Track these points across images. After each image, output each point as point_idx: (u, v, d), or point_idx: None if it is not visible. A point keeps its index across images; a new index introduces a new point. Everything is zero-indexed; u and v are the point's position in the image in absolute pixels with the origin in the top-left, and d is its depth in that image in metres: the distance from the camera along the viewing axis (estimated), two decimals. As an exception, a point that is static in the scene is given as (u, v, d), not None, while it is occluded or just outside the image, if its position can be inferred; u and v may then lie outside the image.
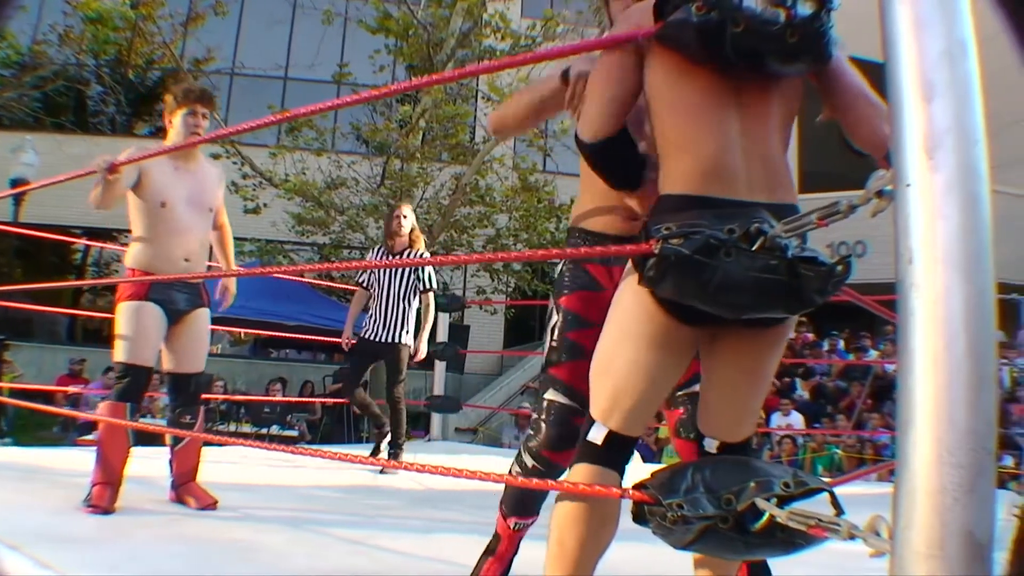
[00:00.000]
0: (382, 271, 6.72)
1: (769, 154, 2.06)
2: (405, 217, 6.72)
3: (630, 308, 2.10)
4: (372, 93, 2.92)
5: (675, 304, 2.00)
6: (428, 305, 6.80)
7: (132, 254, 4.36)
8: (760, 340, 2.10)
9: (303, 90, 20.18)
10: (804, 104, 2.22)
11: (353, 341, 6.90)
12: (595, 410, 2.16)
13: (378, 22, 14.30)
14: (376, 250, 7.04)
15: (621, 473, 2.13)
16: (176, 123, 4.38)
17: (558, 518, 2.12)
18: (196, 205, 4.43)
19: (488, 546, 2.94)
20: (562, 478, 2.22)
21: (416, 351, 6.82)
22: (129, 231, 4.38)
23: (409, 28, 14.03)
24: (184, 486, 4.37)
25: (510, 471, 2.79)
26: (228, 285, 4.92)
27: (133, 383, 4.22)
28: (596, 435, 2.12)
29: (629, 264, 2.12)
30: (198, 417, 4.52)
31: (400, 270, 6.69)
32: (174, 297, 4.36)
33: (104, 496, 4.02)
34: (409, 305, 6.69)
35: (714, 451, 2.20)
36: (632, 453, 2.21)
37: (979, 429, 1.21)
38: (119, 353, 4.24)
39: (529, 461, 2.64)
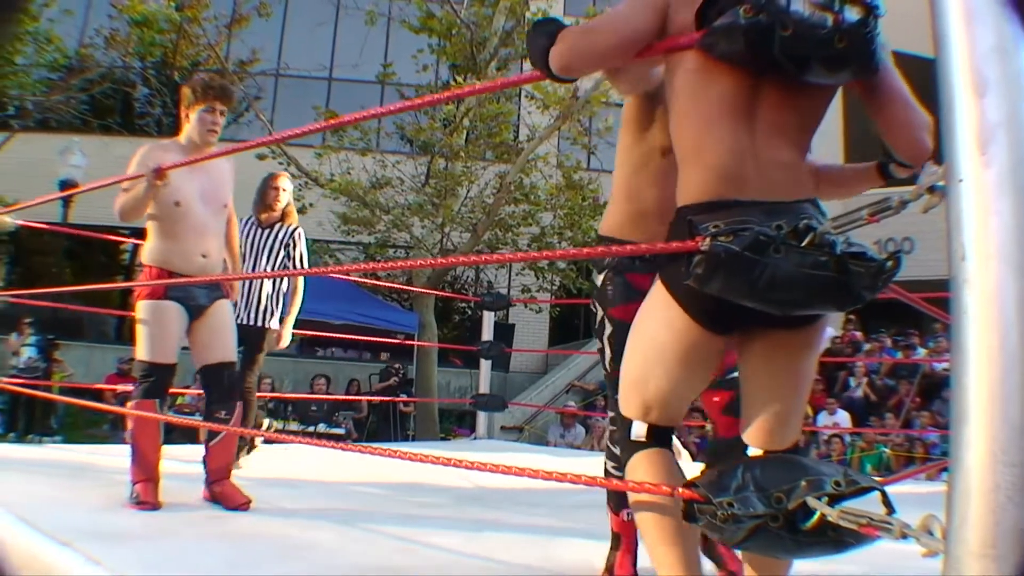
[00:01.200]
0: (250, 246, 6.10)
1: (783, 158, 2.06)
2: (284, 190, 6.21)
3: (660, 325, 2.15)
4: (420, 100, 2.95)
5: (703, 311, 2.04)
6: (297, 288, 6.23)
7: (149, 252, 4.37)
8: (792, 341, 2.11)
9: (347, 90, 20.30)
10: (849, 105, 2.20)
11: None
12: (631, 412, 2.25)
13: (421, 22, 14.34)
14: (245, 222, 6.18)
15: (670, 448, 2.24)
16: (193, 119, 4.37)
17: (641, 522, 2.19)
18: (210, 202, 4.42)
19: (612, 543, 3.05)
20: (626, 474, 2.25)
21: (280, 338, 6.18)
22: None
23: (452, 27, 14.05)
24: (217, 483, 4.34)
25: (605, 468, 2.94)
26: (233, 284, 4.86)
27: (157, 381, 4.27)
28: (638, 432, 2.23)
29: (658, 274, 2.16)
30: (233, 412, 4.47)
31: (270, 246, 6.09)
32: (193, 293, 4.35)
33: (149, 492, 4.07)
34: (277, 286, 6.16)
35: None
36: (673, 432, 2.29)
37: (1035, 428, 1.20)
38: (141, 351, 4.28)
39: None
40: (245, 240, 6.00)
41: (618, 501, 2.95)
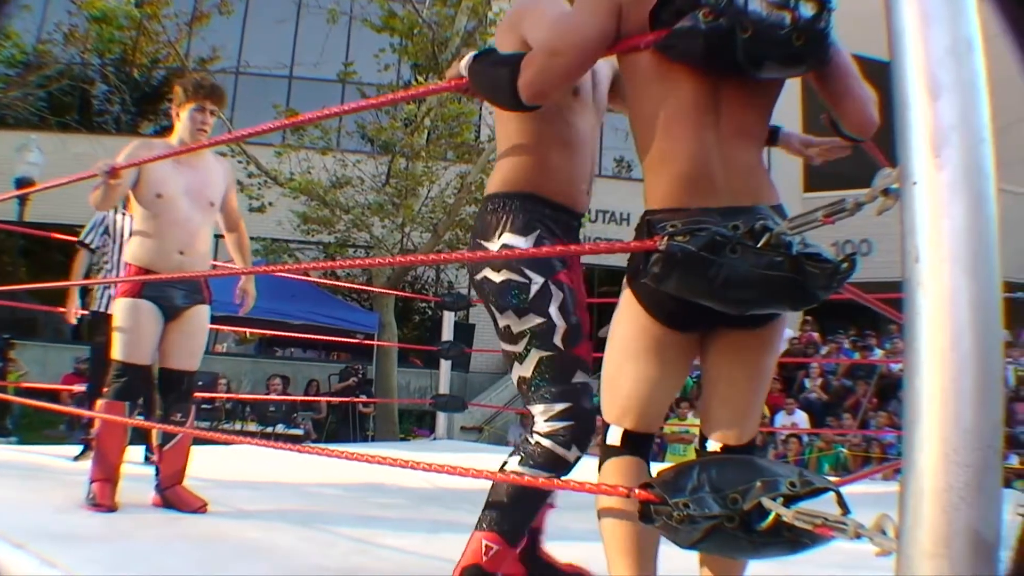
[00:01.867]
0: (121, 230, 6.11)
1: (748, 161, 2.09)
2: None
3: (627, 325, 2.17)
4: (382, 99, 2.92)
5: (664, 310, 2.06)
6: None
7: (130, 250, 4.35)
8: (753, 339, 2.15)
9: (308, 89, 20.21)
10: (808, 104, 2.23)
11: (82, 312, 6.34)
12: (608, 415, 2.26)
13: (383, 20, 14.29)
14: (114, 212, 6.19)
15: (646, 460, 2.22)
16: (183, 117, 4.32)
17: (603, 528, 2.19)
18: (196, 199, 4.37)
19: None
20: (598, 479, 2.25)
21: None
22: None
23: (414, 27, 14.02)
24: (171, 489, 4.26)
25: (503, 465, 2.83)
26: (247, 288, 4.81)
27: (130, 382, 4.22)
28: (613, 437, 2.23)
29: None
30: (189, 416, 4.44)
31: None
32: (170, 293, 4.31)
33: (106, 493, 4.03)
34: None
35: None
36: (652, 444, 2.27)
37: (985, 428, 1.21)
38: (116, 351, 4.25)
39: None
40: (113, 227, 6.21)
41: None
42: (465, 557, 2.62)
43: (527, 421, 2.75)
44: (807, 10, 1.89)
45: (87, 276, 6.31)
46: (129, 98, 21.01)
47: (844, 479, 5.35)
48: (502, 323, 2.64)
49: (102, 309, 6.03)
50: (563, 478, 2.47)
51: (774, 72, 2.00)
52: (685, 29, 1.93)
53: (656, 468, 2.10)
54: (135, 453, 5.98)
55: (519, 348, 2.62)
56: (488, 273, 2.63)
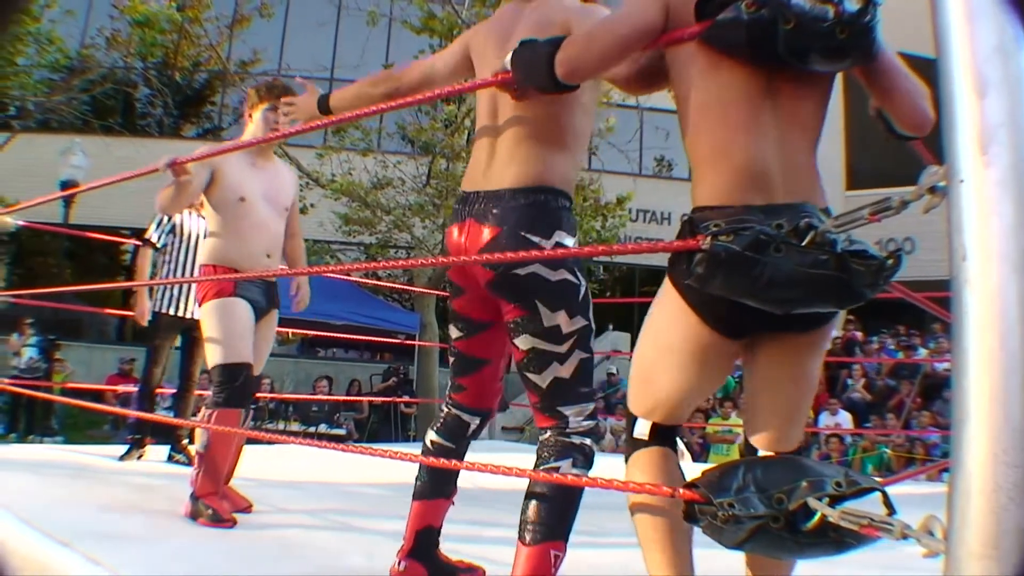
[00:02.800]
0: (188, 231, 6.05)
1: (802, 159, 2.07)
2: None
3: (672, 322, 2.14)
4: (423, 96, 2.92)
5: (713, 313, 2.04)
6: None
7: (210, 251, 4.27)
8: (801, 344, 2.13)
9: (349, 91, 20.28)
10: (851, 101, 2.21)
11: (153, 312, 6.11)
12: (636, 409, 2.26)
13: (423, 22, 14.31)
14: (183, 213, 6.09)
15: (673, 448, 2.24)
16: (256, 118, 4.36)
17: (637, 522, 2.19)
18: (272, 202, 4.38)
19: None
20: (626, 471, 2.25)
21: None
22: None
23: (453, 28, 14.02)
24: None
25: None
26: (302, 286, 4.79)
27: (243, 385, 4.08)
28: (641, 431, 2.23)
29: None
30: (248, 418, 4.47)
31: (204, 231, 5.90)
32: (257, 295, 4.29)
33: (224, 507, 3.94)
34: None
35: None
36: (677, 431, 2.29)
37: (1036, 429, 1.19)
38: (215, 356, 4.09)
39: None
40: (180, 227, 6.09)
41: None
42: (532, 571, 2.58)
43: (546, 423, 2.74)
44: (852, 4, 1.89)
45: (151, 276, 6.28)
46: (171, 101, 21.25)
47: (888, 479, 5.31)
48: (551, 322, 2.63)
49: (162, 310, 6.04)
50: (607, 478, 2.48)
51: (818, 65, 1.99)
52: (728, 20, 1.94)
53: (700, 468, 2.10)
54: (159, 452, 6.07)
55: (563, 348, 2.64)
56: (540, 270, 2.62)
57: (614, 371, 15.45)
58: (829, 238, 1.80)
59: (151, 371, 6.12)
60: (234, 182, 4.22)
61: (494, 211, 2.69)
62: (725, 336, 2.09)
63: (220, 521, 3.85)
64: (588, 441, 2.68)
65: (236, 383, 4.04)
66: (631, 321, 18.78)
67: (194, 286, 5.57)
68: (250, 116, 4.40)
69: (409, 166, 15.16)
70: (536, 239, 2.62)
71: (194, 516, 3.92)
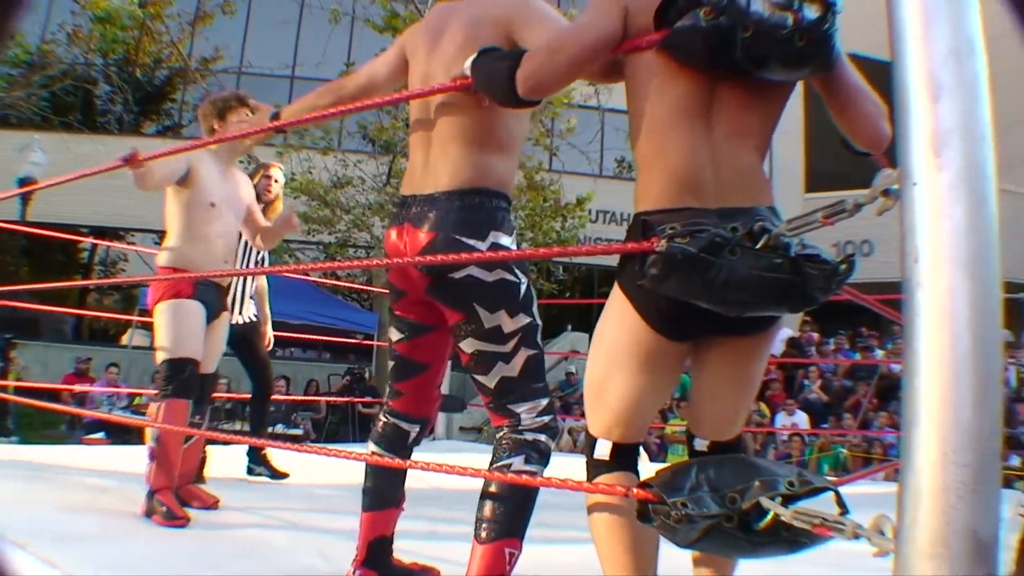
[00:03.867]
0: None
1: (745, 163, 2.08)
2: (276, 180, 5.88)
3: (617, 332, 2.16)
4: (386, 99, 2.92)
5: (660, 317, 2.05)
6: (265, 286, 6.04)
7: (172, 254, 4.29)
8: (744, 347, 2.16)
9: (310, 89, 20.13)
10: (811, 105, 2.23)
11: None
12: (594, 428, 2.25)
13: (385, 21, 14.28)
14: None
15: (636, 473, 2.22)
16: (232, 122, 4.40)
17: (597, 536, 2.19)
18: (235, 209, 4.47)
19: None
20: (588, 500, 2.25)
21: (268, 340, 6.04)
22: (130, 230, 4.36)
23: (416, 27, 14.01)
24: (185, 487, 4.34)
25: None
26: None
27: (189, 377, 4.15)
28: (602, 452, 2.22)
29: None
30: (206, 418, 4.52)
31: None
32: (212, 298, 4.35)
33: (176, 503, 3.98)
34: (255, 282, 5.85)
35: (704, 450, 2.28)
36: (638, 453, 2.26)
37: (984, 428, 1.21)
38: (166, 350, 4.16)
39: None
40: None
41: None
42: (487, 570, 2.57)
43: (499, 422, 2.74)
44: (811, 12, 1.89)
45: None
46: (132, 98, 21.03)
47: (844, 479, 5.36)
48: (491, 323, 2.64)
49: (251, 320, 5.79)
50: (562, 478, 2.49)
51: (777, 73, 1.99)
52: (686, 27, 1.93)
53: (656, 468, 2.10)
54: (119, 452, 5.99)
55: (507, 348, 2.65)
56: (476, 272, 2.61)
57: (573, 371, 15.48)
58: (783, 241, 1.81)
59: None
60: (207, 186, 4.27)
61: (430, 215, 2.68)
62: (671, 339, 2.11)
63: (173, 519, 3.86)
64: (543, 437, 2.68)
65: (183, 375, 4.12)
66: (590, 321, 18.82)
67: (247, 289, 5.70)
68: (219, 127, 4.42)
69: (370, 165, 15.12)
70: (471, 241, 2.62)
71: (148, 513, 3.93)
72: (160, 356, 4.17)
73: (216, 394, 6.09)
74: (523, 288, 2.68)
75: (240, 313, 5.69)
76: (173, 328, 4.16)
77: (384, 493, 3.06)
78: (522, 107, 2.34)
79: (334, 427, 14.30)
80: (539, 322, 2.72)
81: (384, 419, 3.09)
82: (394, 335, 2.99)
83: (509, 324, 2.64)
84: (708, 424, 2.28)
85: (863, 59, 2.12)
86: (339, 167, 14.84)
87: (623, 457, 2.22)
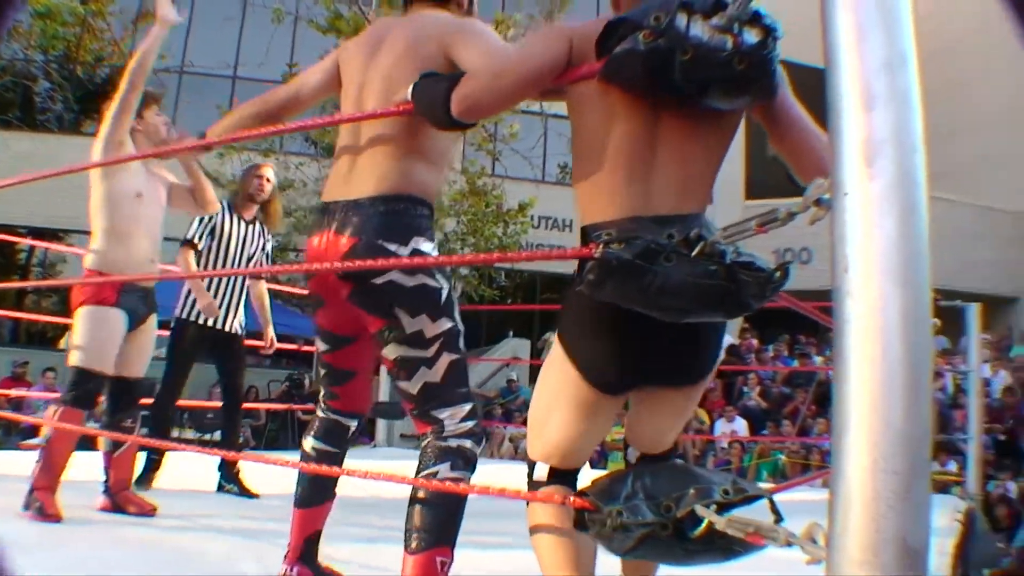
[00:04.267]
0: (228, 235, 5.60)
1: (683, 176, 2.08)
2: (269, 180, 5.76)
3: (559, 378, 2.21)
4: (327, 120, 2.93)
5: (596, 374, 2.11)
6: (264, 290, 6.05)
7: (97, 256, 4.23)
8: (678, 396, 2.26)
9: (252, 89, 19.97)
10: (752, 130, 2.24)
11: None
12: (533, 454, 2.30)
13: (329, 22, 14.24)
14: (221, 211, 5.56)
15: (574, 488, 2.23)
16: (148, 118, 4.42)
17: (537, 548, 2.21)
18: (159, 205, 4.42)
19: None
20: (528, 515, 2.27)
21: (271, 342, 6.09)
22: (69, 232, 4.34)
23: (360, 28, 13.95)
24: (121, 493, 4.31)
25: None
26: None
27: (91, 390, 4.13)
28: (540, 473, 2.27)
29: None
30: (137, 421, 4.47)
31: (249, 240, 5.69)
32: (137, 303, 4.29)
33: (52, 502, 3.95)
34: (247, 286, 5.77)
35: (634, 461, 2.41)
36: (578, 474, 2.32)
37: (914, 436, 1.21)
38: (78, 358, 4.13)
39: None
40: (220, 229, 5.64)
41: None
42: None
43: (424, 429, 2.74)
44: (751, 36, 1.90)
45: None
46: (72, 96, 20.70)
47: (782, 485, 5.41)
48: (413, 328, 2.65)
49: (190, 318, 5.60)
50: (500, 486, 2.49)
51: (718, 99, 1.98)
52: (625, 51, 1.92)
53: (595, 475, 2.11)
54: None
55: (429, 353, 2.66)
56: (397, 277, 2.64)
57: (514, 377, 15.48)
58: (718, 249, 1.82)
59: (170, 385, 5.65)
60: (135, 176, 4.25)
61: (353, 220, 2.69)
62: (608, 395, 2.16)
63: (45, 516, 3.90)
64: (468, 443, 2.67)
65: (87, 386, 4.11)
66: (531, 327, 18.85)
67: (236, 298, 5.65)
68: (137, 125, 4.39)
69: (312, 168, 15.04)
70: (393, 247, 2.64)
71: (26, 507, 3.97)
72: (72, 360, 4.16)
73: (183, 402, 6.00)
74: (444, 293, 2.70)
75: (224, 321, 5.64)
76: (89, 337, 4.14)
77: (318, 488, 3.06)
78: (455, 128, 2.32)
79: (274, 433, 14.17)
80: (461, 327, 2.74)
81: (323, 415, 3.10)
82: (320, 345, 3.01)
83: (431, 328, 2.66)
84: (644, 444, 2.39)
85: (796, 66, 2.13)
86: (281, 169, 14.72)
87: (561, 477, 2.25)
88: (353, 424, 3.10)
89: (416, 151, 2.72)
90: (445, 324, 2.68)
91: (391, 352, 2.70)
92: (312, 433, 3.09)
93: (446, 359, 2.68)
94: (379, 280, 2.63)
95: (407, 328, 2.65)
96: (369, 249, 2.64)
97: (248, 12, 18.58)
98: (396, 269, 2.63)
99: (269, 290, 6.10)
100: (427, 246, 2.70)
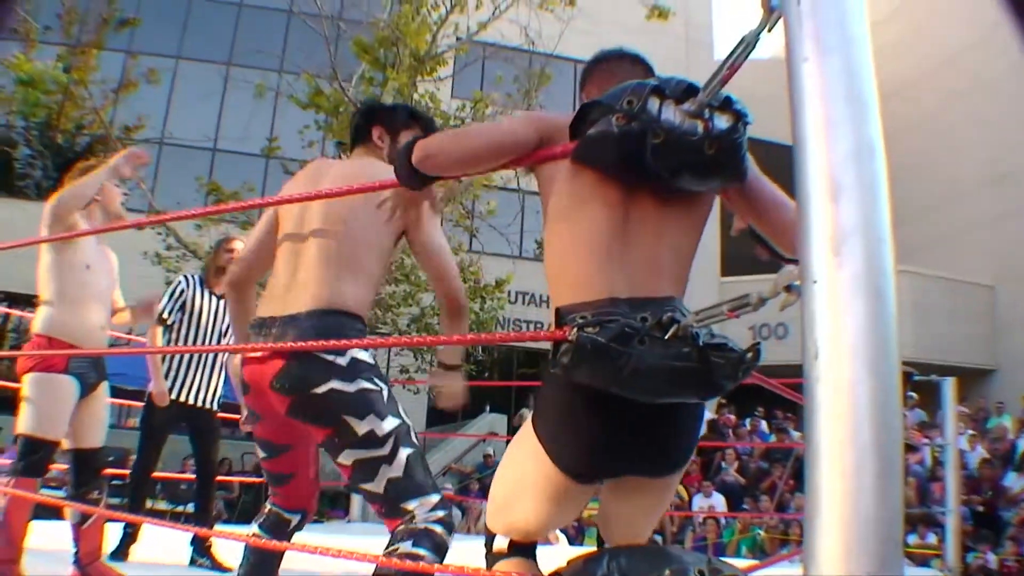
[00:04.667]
0: (199, 309, 5.61)
1: (656, 258, 2.10)
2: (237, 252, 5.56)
3: (528, 463, 2.18)
4: (320, 194, 2.98)
5: (568, 464, 2.08)
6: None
7: (46, 321, 4.21)
8: (653, 486, 2.24)
9: (232, 162, 20.09)
10: (725, 213, 2.27)
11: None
12: (494, 527, 2.30)
13: (309, 98, 14.33)
14: (192, 286, 5.67)
15: (534, 558, 2.26)
16: (107, 188, 4.38)
17: None
18: (108, 276, 4.46)
19: None
20: None
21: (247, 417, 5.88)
22: (34, 296, 4.33)
23: (340, 105, 14.07)
24: (92, 565, 4.26)
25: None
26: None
27: (42, 458, 4.10)
28: (500, 545, 2.26)
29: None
30: (104, 492, 4.43)
31: (221, 314, 5.65)
32: (87, 369, 4.26)
33: (13, 573, 3.91)
34: (224, 360, 5.64)
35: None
36: (536, 545, 2.30)
37: (886, 518, 1.23)
38: (28, 425, 4.09)
39: None
40: (191, 304, 5.63)
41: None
42: None
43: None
44: (722, 122, 1.94)
45: None
46: (51, 164, 20.70)
47: (761, 563, 5.38)
48: (364, 429, 2.68)
49: (177, 398, 5.55)
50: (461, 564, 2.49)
51: (689, 182, 2.01)
52: (598, 133, 1.96)
53: (576, 551, 2.11)
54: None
55: (386, 450, 2.69)
56: (337, 384, 2.70)
57: (491, 452, 15.38)
58: (691, 332, 1.84)
59: (146, 457, 5.65)
60: (85, 251, 4.27)
61: (290, 333, 2.78)
62: (580, 483, 2.13)
63: None
64: (439, 529, 2.67)
65: (36, 455, 4.07)
66: (508, 403, 18.76)
67: (210, 373, 5.60)
68: (96, 197, 4.38)
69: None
70: (331, 357, 2.72)
71: None
72: (20, 427, 4.11)
73: (124, 471, 5.92)
74: (385, 393, 2.77)
75: (196, 396, 5.60)
76: (38, 405, 4.10)
77: (259, 574, 3.07)
78: (416, 183, 2.29)
79: (247, 506, 13.98)
80: (409, 423, 2.78)
81: (268, 507, 3.15)
82: (259, 452, 3.08)
83: (381, 427, 2.70)
84: (619, 539, 2.34)
85: (766, 143, 2.17)
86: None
87: (521, 549, 2.24)
88: (295, 519, 3.13)
89: (352, 268, 2.86)
90: (393, 421, 2.73)
91: (346, 459, 2.72)
92: (258, 521, 3.15)
93: (404, 453, 2.71)
94: (320, 390, 2.69)
95: (359, 431, 2.68)
96: (306, 362, 2.71)
97: (229, 86, 18.71)
98: (335, 377, 2.69)
99: (245, 363, 6.02)
100: (363, 355, 2.79)
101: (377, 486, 2.70)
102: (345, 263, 2.85)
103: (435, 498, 2.71)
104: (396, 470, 2.68)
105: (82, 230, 4.11)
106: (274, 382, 2.74)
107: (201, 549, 5.48)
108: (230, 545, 5.29)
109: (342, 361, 2.72)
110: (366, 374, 2.75)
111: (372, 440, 2.68)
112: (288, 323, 2.79)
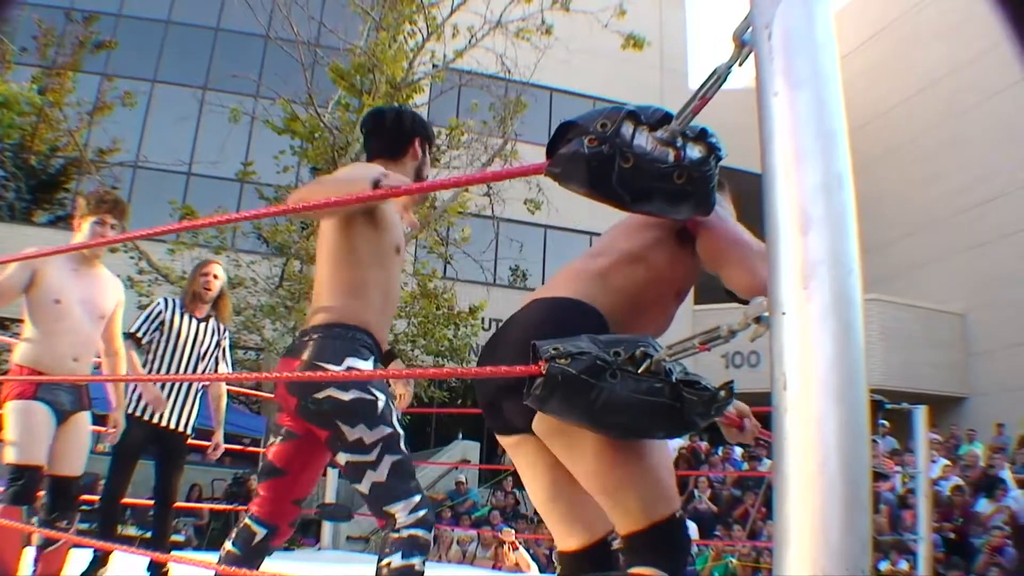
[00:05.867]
0: (177, 332, 5.52)
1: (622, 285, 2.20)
2: (216, 277, 5.70)
3: (632, 451, 2.16)
4: (285, 209, 3.02)
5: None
6: (223, 392, 6.00)
7: (21, 351, 4.33)
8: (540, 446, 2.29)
9: (206, 186, 20.03)
10: (687, 226, 2.29)
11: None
12: (664, 513, 2.24)
13: (285, 123, 14.35)
14: (170, 308, 5.59)
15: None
16: (84, 228, 4.44)
17: None
18: (90, 308, 4.45)
19: None
20: None
21: (216, 445, 5.98)
22: (20, 321, 4.38)
23: (315, 130, 14.09)
24: None
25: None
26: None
27: (27, 484, 4.14)
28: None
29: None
30: (73, 522, 4.47)
31: (200, 337, 5.63)
32: (61, 398, 4.32)
33: None
34: (199, 384, 5.66)
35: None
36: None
37: (853, 549, 1.23)
38: (10, 455, 4.17)
39: None
40: (168, 325, 5.55)
41: None
42: None
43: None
44: (694, 152, 1.94)
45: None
46: (25, 186, 20.58)
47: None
48: (353, 436, 2.93)
49: (135, 413, 5.38)
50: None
51: (655, 208, 2.02)
52: (570, 152, 1.96)
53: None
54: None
55: (372, 457, 2.93)
56: (334, 392, 2.94)
57: (463, 479, 15.33)
58: (664, 367, 1.85)
59: (116, 481, 5.44)
60: (52, 285, 4.31)
61: (300, 344, 3.12)
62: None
63: None
64: (420, 532, 2.92)
65: (23, 481, 4.13)
66: (481, 429, 18.72)
67: (179, 392, 5.59)
68: (79, 226, 4.49)
69: (263, 266, 15.00)
70: (328, 365, 3.00)
71: None
72: (6, 457, 4.21)
73: (93, 496, 5.86)
74: (380, 404, 2.99)
75: (170, 419, 5.54)
76: (16, 431, 4.19)
77: None
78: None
79: (216, 533, 13.84)
80: (401, 431, 3.02)
81: (243, 520, 3.28)
82: (271, 440, 3.29)
83: (370, 436, 2.94)
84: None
85: (738, 172, 2.19)
86: (231, 267, 14.67)
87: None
88: (262, 532, 3.21)
89: (344, 289, 3.16)
90: (384, 430, 2.96)
91: (341, 459, 2.99)
92: (230, 536, 3.25)
93: (388, 460, 2.93)
94: (319, 395, 2.95)
95: (349, 437, 2.94)
96: (309, 369, 3.01)
97: (204, 111, 18.68)
98: (333, 386, 2.94)
99: (217, 389, 6.02)
100: (361, 363, 3.04)
101: (364, 487, 2.95)
102: (343, 284, 3.18)
103: (416, 498, 2.94)
104: (380, 476, 2.92)
105: (38, 251, 4.18)
106: (287, 382, 3.05)
107: (158, 575, 5.42)
108: (192, 570, 5.25)
109: (339, 368, 2.98)
110: (362, 383, 2.97)
111: (360, 447, 2.92)
112: (304, 335, 3.15)
